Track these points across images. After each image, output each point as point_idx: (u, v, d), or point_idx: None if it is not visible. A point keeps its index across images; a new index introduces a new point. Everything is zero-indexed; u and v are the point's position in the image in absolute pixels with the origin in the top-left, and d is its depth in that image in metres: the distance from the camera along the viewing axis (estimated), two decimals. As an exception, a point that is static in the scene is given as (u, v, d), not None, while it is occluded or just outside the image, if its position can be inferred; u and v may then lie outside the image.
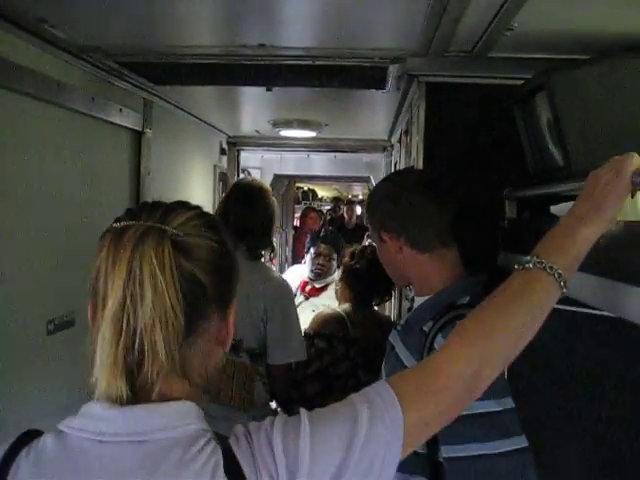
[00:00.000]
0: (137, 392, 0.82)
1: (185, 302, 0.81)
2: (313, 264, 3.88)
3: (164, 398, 0.83)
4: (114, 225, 0.85)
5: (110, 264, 0.81)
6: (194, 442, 0.80)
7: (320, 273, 3.86)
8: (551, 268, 1.00)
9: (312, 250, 3.90)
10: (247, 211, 2.34)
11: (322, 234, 4.50)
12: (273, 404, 2.53)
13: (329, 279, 3.88)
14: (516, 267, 1.04)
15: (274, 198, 2.49)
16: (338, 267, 3.35)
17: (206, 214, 0.93)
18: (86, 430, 0.81)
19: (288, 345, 2.34)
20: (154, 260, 0.79)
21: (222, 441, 0.82)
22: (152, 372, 0.80)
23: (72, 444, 0.81)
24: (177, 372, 0.84)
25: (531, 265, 1.01)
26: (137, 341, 0.79)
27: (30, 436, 0.85)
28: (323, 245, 3.94)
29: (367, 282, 2.59)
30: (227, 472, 0.78)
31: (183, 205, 0.91)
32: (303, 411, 0.85)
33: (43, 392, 1.93)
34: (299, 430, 0.81)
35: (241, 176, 4.59)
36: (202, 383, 0.90)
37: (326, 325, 2.54)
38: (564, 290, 1.01)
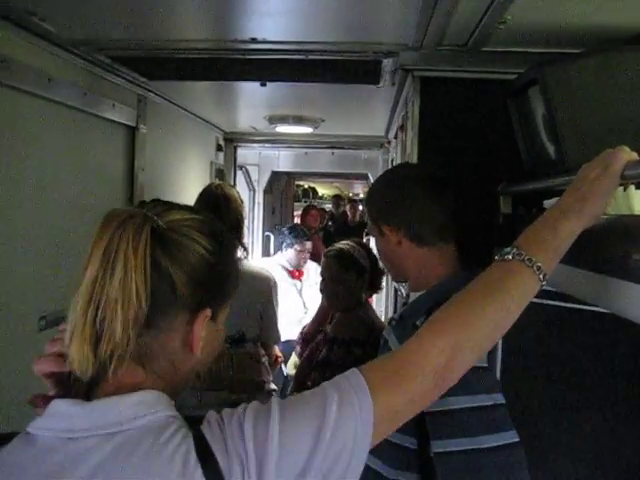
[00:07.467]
0: (98, 367, 0.83)
1: (151, 292, 0.82)
2: (298, 258, 4.35)
3: (121, 383, 0.85)
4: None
5: (94, 241, 0.84)
6: (165, 429, 0.81)
7: (303, 264, 4.39)
8: (530, 260, 0.99)
9: (297, 247, 4.32)
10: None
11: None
12: (273, 385, 2.71)
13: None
14: (496, 258, 1.03)
15: (241, 202, 2.63)
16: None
17: (212, 225, 0.93)
18: (54, 429, 0.82)
19: (277, 327, 2.73)
20: (130, 242, 0.82)
21: (193, 427, 0.83)
22: (107, 348, 0.82)
23: (41, 445, 0.82)
24: (134, 359, 0.85)
25: (510, 257, 1.01)
26: (99, 314, 0.81)
27: (1, 439, 0.86)
28: (307, 243, 4.39)
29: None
30: (199, 457, 0.78)
31: (189, 209, 0.93)
32: (274, 399, 0.86)
33: (34, 388, 1.91)
34: (269, 418, 0.82)
35: (239, 173, 4.73)
36: (171, 381, 0.90)
37: (355, 330, 2.44)
38: (543, 283, 1.00)
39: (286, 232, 4.37)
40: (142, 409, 0.83)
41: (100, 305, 0.81)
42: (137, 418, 0.82)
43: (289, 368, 3.24)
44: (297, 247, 4.28)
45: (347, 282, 2.47)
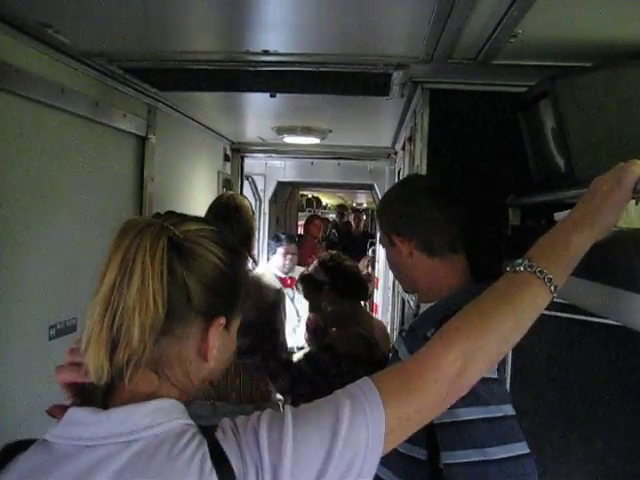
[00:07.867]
0: (114, 373, 0.85)
1: (167, 299, 0.84)
2: (284, 260, 4.41)
3: (136, 391, 0.86)
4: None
5: (112, 249, 0.85)
6: (180, 436, 0.83)
7: (291, 266, 4.45)
8: (541, 272, 1.00)
9: (280, 250, 4.39)
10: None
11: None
12: (279, 395, 2.81)
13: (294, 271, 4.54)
14: (508, 269, 1.04)
15: (252, 214, 2.67)
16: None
17: (225, 235, 0.95)
18: (71, 437, 0.84)
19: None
20: (148, 250, 0.84)
21: (208, 434, 0.84)
22: (124, 354, 0.83)
23: (58, 452, 0.83)
24: (149, 366, 0.86)
25: (522, 268, 1.02)
26: (117, 320, 0.83)
27: (18, 447, 0.87)
28: (291, 245, 4.47)
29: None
30: (215, 463, 0.80)
31: (203, 221, 0.96)
32: (288, 407, 0.88)
33: (44, 397, 1.91)
34: (283, 425, 0.83)
35: (245, 183, 4.78)
36: (184, 390, 0.91)
37: (354, 346, 2.52)
38: (554, 295, 1.01)
39: (270, 241, 4.51)
40: (158, 417, 0.84)
41: (117, 312, 0.83)
42: (154, 426, 0.83)
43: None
44: (280, 249, 4.36)
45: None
